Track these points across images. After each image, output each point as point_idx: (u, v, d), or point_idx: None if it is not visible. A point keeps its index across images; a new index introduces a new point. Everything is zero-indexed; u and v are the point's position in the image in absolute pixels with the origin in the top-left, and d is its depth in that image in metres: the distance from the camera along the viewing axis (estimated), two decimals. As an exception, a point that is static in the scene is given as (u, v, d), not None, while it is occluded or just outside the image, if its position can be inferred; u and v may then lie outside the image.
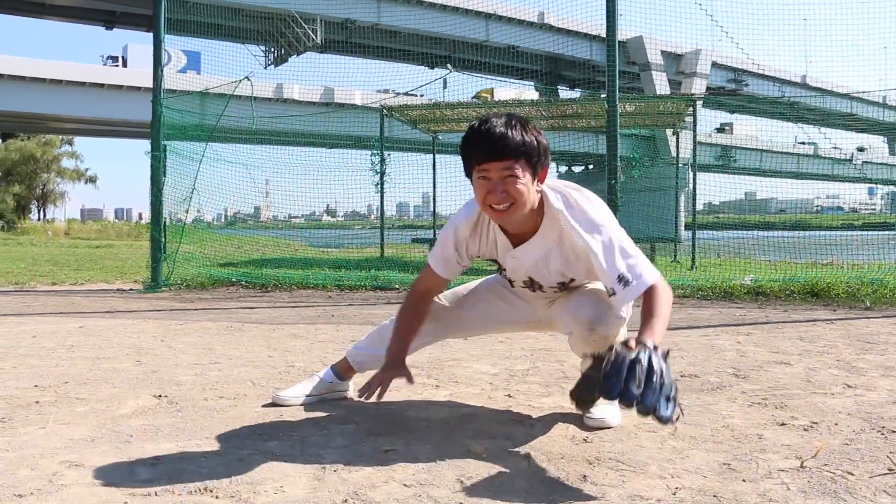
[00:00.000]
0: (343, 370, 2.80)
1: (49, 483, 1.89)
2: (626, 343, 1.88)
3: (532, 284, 2.42)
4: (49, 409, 2.67)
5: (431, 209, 14.47)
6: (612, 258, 2.11)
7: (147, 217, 9.50)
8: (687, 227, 13.70)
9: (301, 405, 2.72)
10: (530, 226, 2.24)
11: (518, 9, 35.97)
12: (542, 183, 2.18)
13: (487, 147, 2.09)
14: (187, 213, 8.61)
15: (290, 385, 2.84)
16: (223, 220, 14.92)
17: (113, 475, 1.95)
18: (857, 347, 3.86)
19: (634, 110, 11.10)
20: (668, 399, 1.81)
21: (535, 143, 2.12)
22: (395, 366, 2.43)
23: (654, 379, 1.81)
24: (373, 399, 2.35)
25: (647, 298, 2.09)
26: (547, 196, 2.21)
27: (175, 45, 40.42)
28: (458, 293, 2.71)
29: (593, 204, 2.21)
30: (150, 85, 7.99)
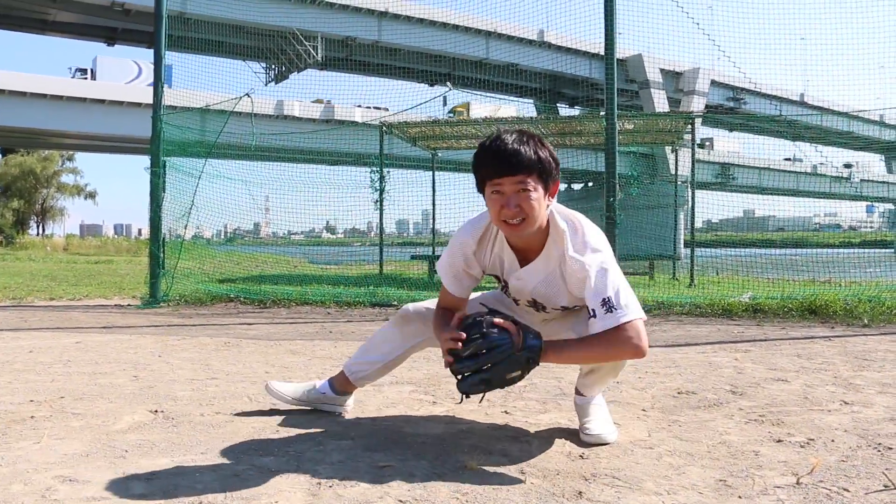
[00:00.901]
0: (340, 384, 2.79)
1: (42, 498, 1.89)
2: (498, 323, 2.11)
3: (535, 305, 2.42)
4: (44, 423, 2.66)
5: (431, 226, 14.47)
6: (602, 281, 2.12)
7: (146, 233, 9.51)
8: (686, 244, 13.71)
9: (289, 408, 2.78)
10: (537, 244, 2.25)
11: (518, 27, 36.12)
12: (552, 197, 2.21)
13: (501, 162, 2.11)
14: (186, 229, 8.62)
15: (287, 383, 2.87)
16: (222, 237, 14.92)
17: (107, 490, 1.94)
18: (854, 364, 3.86)
19: (633, 128, 11.14)
20: (480, 380, 2.09)
21: (549, 157, 2.15)
22: (446, 325, 2.31)
23: (483, 357, 2.07)
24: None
25: (606, 333, 2.11)
26: (554, 216, 2.23)
27: (145, 58, 40.55)
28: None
29: (595, 233, 2.23)
30: (151, 102, 8.01)
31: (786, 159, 23.23)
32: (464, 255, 2.38)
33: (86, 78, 40.07)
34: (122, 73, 40.45)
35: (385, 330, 2.69)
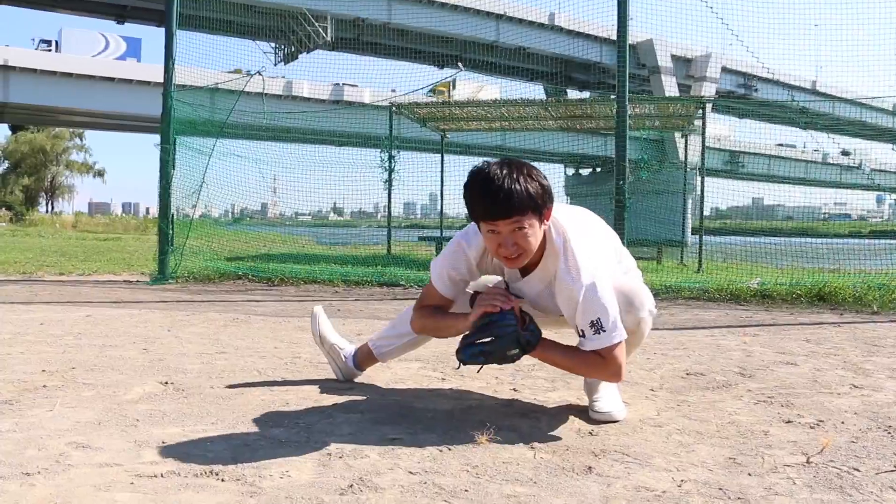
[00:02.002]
0: (362, 359, 2.85)
1: (56, 463, 1.90)
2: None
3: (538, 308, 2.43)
4: (56, 393, 2.68)
5: (439, 208, 14.45)
6: (591, 303, 2.13)
7: (154, 212, 9.54)
8: (694, 231, 13.66)
9: (315, 345, 2.99)
10: (534, 258, 2.25)
11: (529, 9, 35.90)
12: (547, 221, 2.19)
13: (494, 206, 2.07)
14: (195, 208, 8.63)
15: (327, 324, 2.98)
16: (230, 216, 14.94)
17: (119, 457, 1.96)
18: (863, 350, 3.85)
19: (644, 112, 11.08)
20: (480, 351, 2.17)
21: (541, 189, 2.10)
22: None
23: (488, 328, 2.16)
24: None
25: (593, 354, 2.18)
26: (550, 233, 2.22)
27: (113, 31, 40.04)
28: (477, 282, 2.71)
29: (586, 248, 2.20)
30: (161, 79, 8.01)
31: (778, 145, 23.07)
32: (466, 264, 2.37)
33: (49, 50, 39.39)
34: (88, 45, 39.87)
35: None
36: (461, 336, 2.22)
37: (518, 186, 2.06)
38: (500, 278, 2.39)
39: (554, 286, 2.25)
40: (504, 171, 2.08)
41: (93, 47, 40.14)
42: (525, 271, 2.31)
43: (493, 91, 24.50)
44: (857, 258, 9.73)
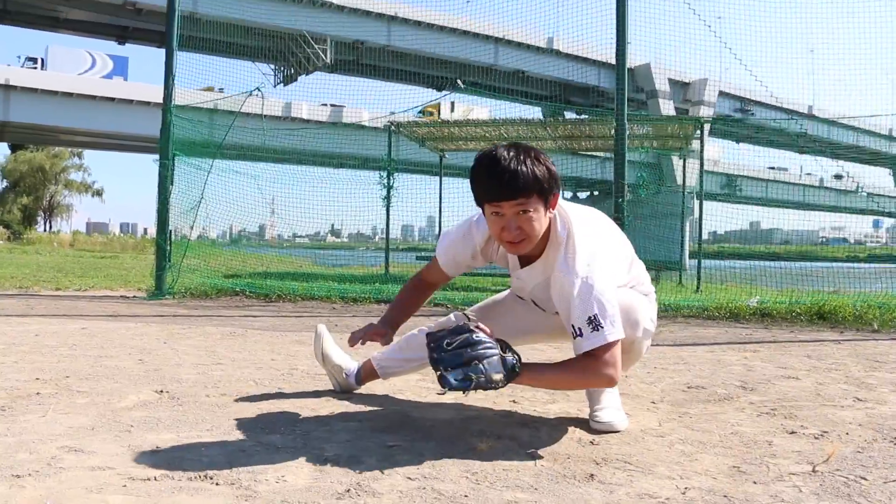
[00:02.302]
0: (365, 375, 2.83)
1: (47, 466, 1.87)
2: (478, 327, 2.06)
3: (536, 305, 2.40)
4: (49, 400, 2.64)
5: (437, 231, 14.44)
6: (588, 297, 2.05)
7: (152, 232, 9.54)
8: (691, 255, 13.64)
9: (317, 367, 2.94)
10: (538, 247, 2.21)
11: (527, 33, 36.10)
12: (553, 209, 2.14)
13: (500, 185, 2.04)
14: (192, 228, 8.61)
15: (331, 344, 2.93)
16: (228, 238, 14.91)
17: (112, 460, 1.92)
18: (866, 365, 3.81)
19: (642, 133, 11.11)
20: (465, 375, 1.98)
21: (546, 174, 2.06)
22: (385, 325, 2.51)
23: (470, 352, 1.99)
24: (356, 346, 2.41)
25: (585, 361, 2.07)
26: (555, 223, 2.18)
27: (100, 49, 39.99)
28: (485, 307, 2.69)
29: (592, 245, 2.14)
30: (161, 100, 8.05)
31: (770, 167, 23.14)
32: (472, 248, 2.38)
33: (35, 67, 39.31)
34: (74, 63, 39.77)
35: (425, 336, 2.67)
36: (433, 357, 2.07)
37: (524, 168, 2.03)
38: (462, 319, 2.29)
39: (551, 278, 2.19)
40: (511, 153, 2.05)
41: (79, 65, 40.00)
42: (527, 261, 2.27)
43: (483, 112, 24.42)
44: (857, 281, 9.70)
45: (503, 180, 2.02)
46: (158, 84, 8.45)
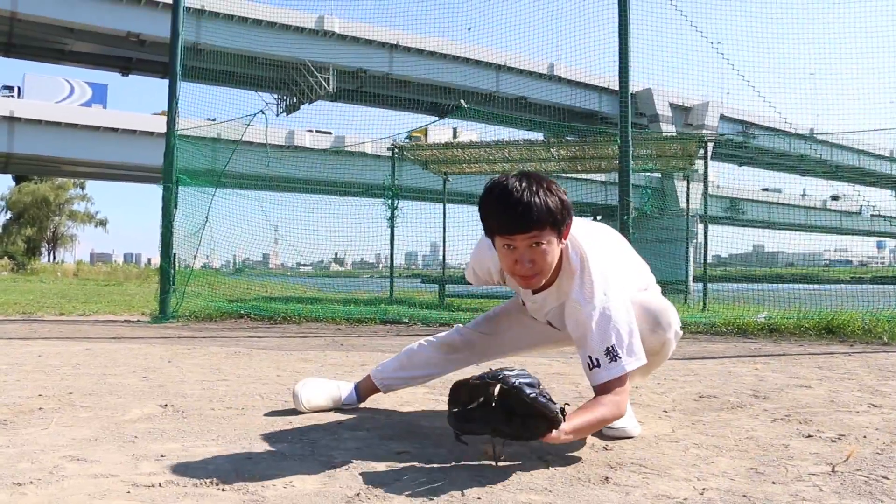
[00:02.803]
0: (365, 391, 2.75)
1: (49, 474, 1.83)
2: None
3: (552, 326, 2.37)
4: (52, 414, 2.60)
5: (440, 258, 14.38)
6: (606, 327, 2.02)
7: (156, 262, 9.52)
8: (696, 279, 13.56)
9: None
10: (550, 277, 2.16)
11: (528, 60, 36.35)
12: (565, 239, 2.08)
13: (512, 219, 1.97)
14: (195, 258, 8.58)
15: (311, 389, 2.71)
16: (231, 267, 14.91)
17: (115, 469, 1.89)
18: (878, 375, 3.76)
19: (645, 153, 11.11)
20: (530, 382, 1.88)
21: (560, 205, 2.00)
22: None
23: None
24: None
25: (600, 398, 2.02)
26: (568, 252, 2.13)
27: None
28: (489, 317, 2.66)
29: (607, 271, 2.10)
30: (164, 130, 8.11)
31: (763, 189, 23.15)
32: (488, 268, 2.36)
33: (12, 96, 38.63)
34: (51, 91, 39.14)
35: (428, 352, 2.62)
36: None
37: (537, 200, 1.96)
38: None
39: (566, 306, 2.16)
40: (523, 184, 1.98)
41: (56, 93, 39.20)
42: (539, 288, 2.21)
43: (472, 135, 24.30)
44: (863, 302, 9.62)
45: (516, 213, 1.96)
46: (161, 114, 8.48)
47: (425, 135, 25.87)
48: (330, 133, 34.16)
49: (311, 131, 34.28)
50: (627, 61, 6.93)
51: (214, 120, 9.80)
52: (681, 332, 2.29)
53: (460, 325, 2.68)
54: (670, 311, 2.24)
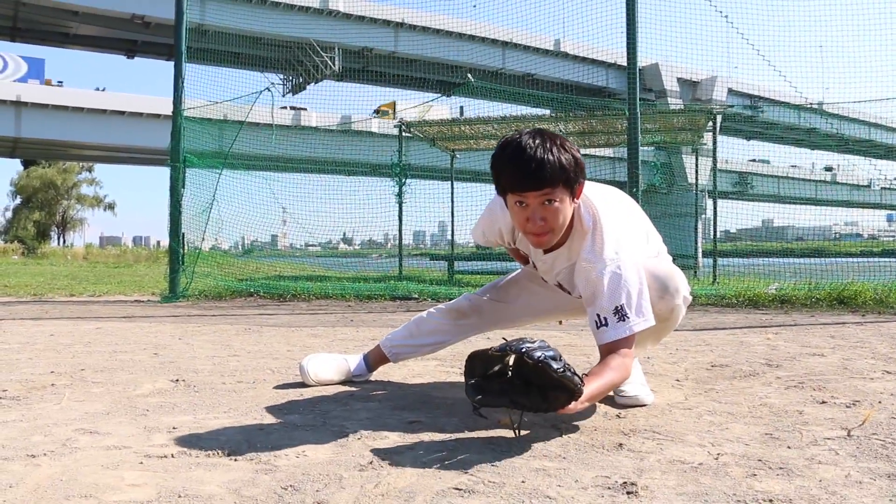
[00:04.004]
0: (374, 360, 2.73)
1: (62, 446, 1.83)
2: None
3: (562, 288, 2.35)
4: (64, 390, 2.61)
5: (448, 237, 14.35)
6: (616, 286, 1.99)
7: (165, 244, 9.53)
8: (705, 254, 13.50)
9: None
10: (561, 236, 2.13)
11: (534, 36, 36.07)
12: (577, 199, 2.06)
13: (525, 176, 1.94)
14: (203, 239, 8.57)
15: (318, 363, 2.69)
16: (240, 249, 14.91)
17: (128, 440, 1.89)
18: (891, 343, 3.74)
19: (654, 127, 11.02)
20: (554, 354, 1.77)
21: (573, 162, 1.97)
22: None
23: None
24: None
25: (608, 360, 1.97)
26: (580, 211, 2.10)
27: (13, 52, 38.75)
28: (498, 285, 2.64)
29: (618, 231, 2.08)
30: (170, 112, 8.06)
31: (751, 160, 23.00)
32: (498, 229, 2.33)
33: None
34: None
35: (437, 319, 2.61)
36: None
37: (551, 157, 1.93)
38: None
39: (576, 266, 2.13)
40: (536, 141, 1.96)
41: None
42: (550, 248, 2.19)
43: (443, 110, 23.55)
44: (873, 275, 9.58)
45: (529, 170, 1.93)
46: (167, 97, 8.42)
47: (393, 108, 25.19)
48: (305, 109, 34.02)
49: (285, 108, 34.17)
50: (635, 35, 6.86)
51: (221, 101, 9.77)
52: (690, 298, 2.25)
53: (469, 293, 2.66)
54: (678, 277, 2.21)
